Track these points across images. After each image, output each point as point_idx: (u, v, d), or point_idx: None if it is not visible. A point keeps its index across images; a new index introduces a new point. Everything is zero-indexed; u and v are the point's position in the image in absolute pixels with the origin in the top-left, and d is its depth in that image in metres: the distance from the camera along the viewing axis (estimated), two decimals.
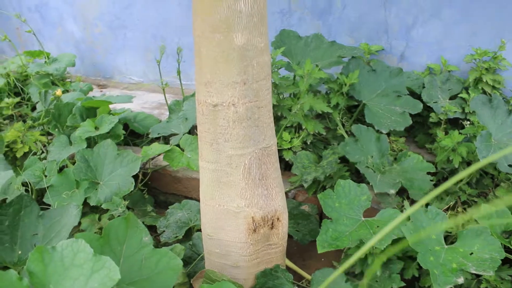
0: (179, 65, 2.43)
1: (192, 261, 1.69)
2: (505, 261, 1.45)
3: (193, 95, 2.36)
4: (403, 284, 1.48)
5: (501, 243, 1.44)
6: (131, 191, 1.90)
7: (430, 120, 2.16)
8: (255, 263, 1.47)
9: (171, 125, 2.37)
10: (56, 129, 2.30)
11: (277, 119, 2.05)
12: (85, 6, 3.39)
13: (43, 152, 2.33)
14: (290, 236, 1.68)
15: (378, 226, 1.51)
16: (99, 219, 1.82)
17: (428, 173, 1.92)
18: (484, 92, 2.17)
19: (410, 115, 2.15)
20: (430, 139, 2.22)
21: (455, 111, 2.10)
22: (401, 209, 1.77)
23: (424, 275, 1.56)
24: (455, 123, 2.18)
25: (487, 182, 1.92)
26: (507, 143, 1.85)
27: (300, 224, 1.87)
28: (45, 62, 3.02)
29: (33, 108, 2.87)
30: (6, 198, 1.87)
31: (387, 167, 1.95)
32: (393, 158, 2.01)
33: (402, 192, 1.87)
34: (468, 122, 2.04)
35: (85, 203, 1.91)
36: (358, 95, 2.23)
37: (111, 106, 2.52)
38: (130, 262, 1.34)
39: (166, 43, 3.15)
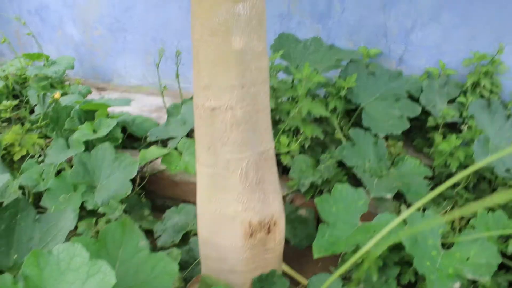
0: (177, 68, 2.43)
1: (189, 266, 1.69)
2: (501, 266, 1.45)
3: (192, 98, 2.35)
4: None
5: (498, 248, 1.44)
6: (129, 195, 1.90)
7: (428, 124, 2.15)
8: (251, 268, 1.47)
9: (169, 129, 2.37)
10: (54, 132, 2.30)
11: (275, 123, 2.05)
12: (85, 9, 3.39)
13: (40, 155, 2.33)
14: (287, 241, 1.67)
15: (375, 231, 1.51)
16: (96, 223, 1.81)
17: (426, 177, 1.92)
18: (482, 96, 2.17)
19: (408, 119, 2.15)
20: (428, 143, 2.22)
21: (453, 115, 2.09)
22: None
23: (420, 281, 1.56)
24: (453, 127, 2.18)
25: (484, 187, 1.92)
26: (505, 148, 1.85)
27: (297, 229, 1.87)
28: (44, 64, 3.02)
29: (32, 111, 2.86)
30: (3, 202, 1.86)
31: (385, 172, 1.95)
32: (390, 162, 2.01)
33: (400, 197, 1.86)
34: (466, 126, 2.04)
35: (82, 207, 1.91)
36: (356, 99, 2.23)
37: (109, 109, 2.52)
38: (126, 266, 1.34)
39: (166, 46, 3.15)
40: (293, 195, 2.04)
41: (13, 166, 2.30)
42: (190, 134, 2.30)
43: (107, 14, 3.32)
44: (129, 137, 2.55)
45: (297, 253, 1.91)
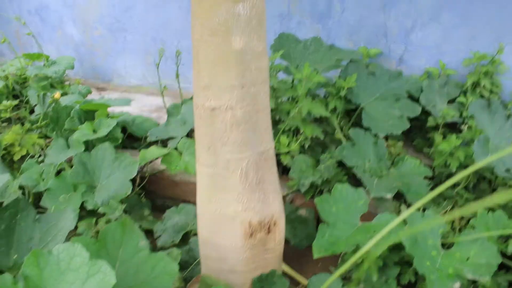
0: (177, 68, 2.43)
1: (189, 266, 1.69)
2: (501, 266, 1.45)
3: (192, 98, 2.36)
4: None
5: (498, 248, 1.44)
6: (128, 195, 1.90)
7: (428, 124, 2.15)
8: (251, 268, 1.47)
9: (169, 129, 2.37)
10: (54, 132, 2.30)
11: (275, 122, 2.05)
12: (85, 9, 3.39)
13: (40, 155, 2.33)
14: (287, 241, 1.67)
15: (375, 231, 1.51)
16: (96, 223, 1.81)
17: (426, 177, 1.92)
18: (482, 96, 2.17)
19: (408, 119, 2.14)
20: (428, 143, 2.22)
21: (453, 115, 2.09)
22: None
23: (420, 281, 1.56)
24: (453, 127, 2.18)
25: (484, 187, 1.92)
26: (505, 148, 1.85)
27: (297, 229, 1.87)
28: (44, 64, 3.02)
29: (32, 111, 2.86)
30: (3, 202, 1.86)
31: (385, 172, 1.95)
32: (390, 162, 2.01)
33: (400, 197, 1.86)
34: (466, 126, 2.04)
35: (82, 207, 1.91)
36: (356, 99, 2.23)
37: (109, 109, 2.52)
38: (126, 266, 1.34)
39: (166, 46, 3.15)
40: (293, 195, 2.04)
41: (13, 166, 2.30)
42: (190, 134, 2.30)
43: (107, 14, 3.32)
44: (129, 137, 2.55)
45: (297, 253, 1.91)
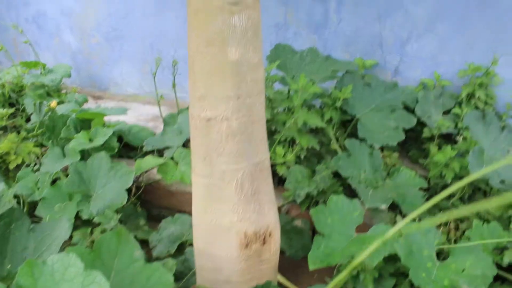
0: (174, 77, 2.43)
1: (184, 276, 1.68)
2: (496, 277, 1.45)
3: (188, 108, 2.36)
4: None
5: (493, 260, 1.45)
6: (124, 204, 1.89)
7: (424, 135, 2.16)
8: (247, 279, 1.47)
9: (165, 138, 2.37)
10: (50, 141, 2.29)
11: (271, 133, 2.06)
12: (82, 17, 3.40)
13: (36, 164, 2.32)
14: (282, 252, 1.67)
15: (370, 242, 1.50)
16: (91, 232, 1.81)
17: (421, 188, 1.92)
18: (477, 108, 2.18)
19: (404, 130, 2.15)
20: (423, 154, 2.23)
21: (448, 126, 2.11)
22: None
23: None
24: (448, 138, 2.19)
25: (479, 198, 1.92)
26: (499, 159, 1.86)
27: (292, 240, 1.86)
28: (41, 73, 3.02)
29: (28, 119, 2.85)
30: None
31: (380, 182, 1.95)
32: (386, 173, 2.02)
33: (395, 208, 1.87)
34: (461, 138, 2.05)
35: (77, 216, 1.90)
36: (352, 110, 2.24)
37: (106, 118, 2.52)
38: (121, 276, 1.33)
39: (163, 55, 3.16)
40: (289, 206, 2.04)
41: (8, 174, 2.29)
42: (186, 144, 2.30)
43: (104, 22, 3.33)
44: (125, 146, 2.55)
45: (292, 264, 1.90)
